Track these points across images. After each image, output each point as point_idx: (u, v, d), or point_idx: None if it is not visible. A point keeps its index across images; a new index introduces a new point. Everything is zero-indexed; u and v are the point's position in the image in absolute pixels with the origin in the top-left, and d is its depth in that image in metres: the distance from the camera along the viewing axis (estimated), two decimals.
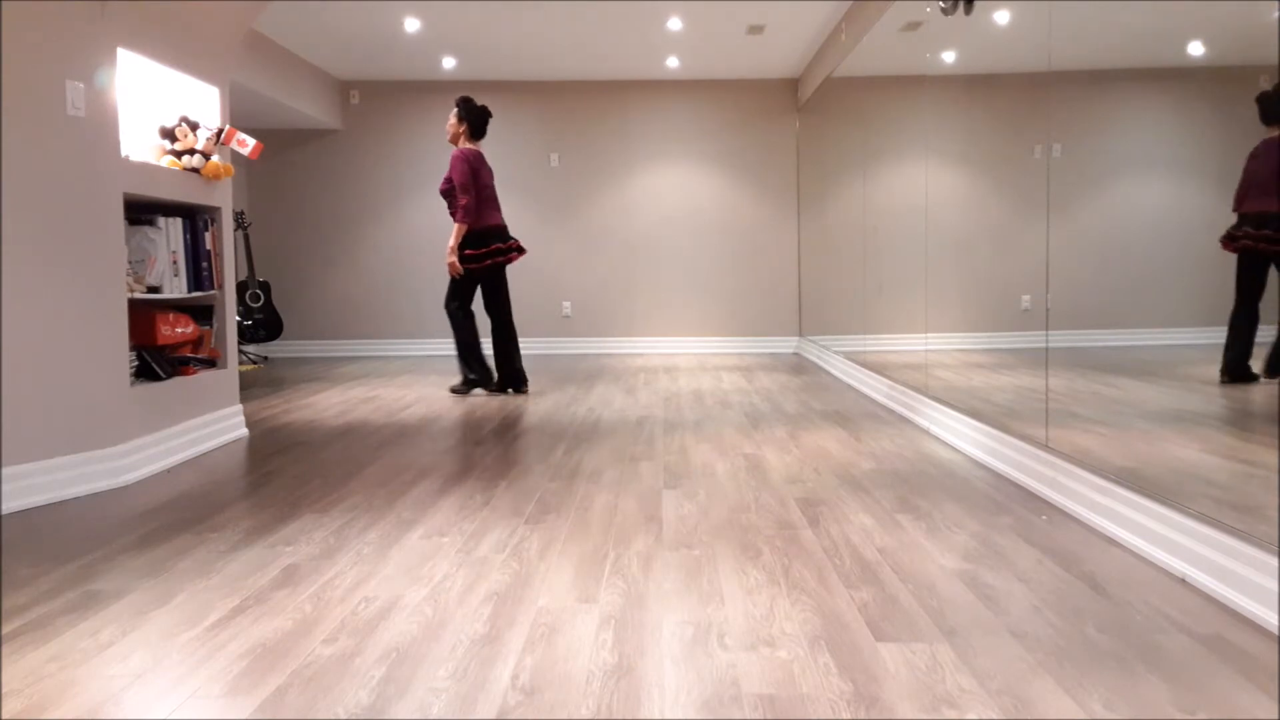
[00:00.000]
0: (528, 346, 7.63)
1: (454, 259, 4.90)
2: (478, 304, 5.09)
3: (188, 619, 1.86)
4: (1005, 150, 3.32)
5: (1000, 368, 3.48)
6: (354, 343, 7.72)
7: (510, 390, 5.13)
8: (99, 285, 3.04)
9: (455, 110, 4.99)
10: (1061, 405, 2.79)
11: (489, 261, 4.94)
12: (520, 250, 5.09)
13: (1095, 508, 2.42)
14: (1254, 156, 2.01)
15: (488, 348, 5.17)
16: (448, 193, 4.93)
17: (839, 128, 5.93)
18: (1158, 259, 2.47)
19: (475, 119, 4.98)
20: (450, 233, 4.96)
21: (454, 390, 5.16)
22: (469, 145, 4.96)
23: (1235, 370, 2.15)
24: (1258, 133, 1.99)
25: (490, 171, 5.06)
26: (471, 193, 4.85)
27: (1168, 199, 2.42)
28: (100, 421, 3.04)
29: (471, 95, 5.12)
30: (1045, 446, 2.79)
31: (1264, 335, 2.05)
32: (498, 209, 5.05)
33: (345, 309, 7.73)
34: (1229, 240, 2.07)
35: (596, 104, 7.61)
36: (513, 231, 7.54)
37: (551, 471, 3.19)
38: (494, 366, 5.12)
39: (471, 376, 5.08)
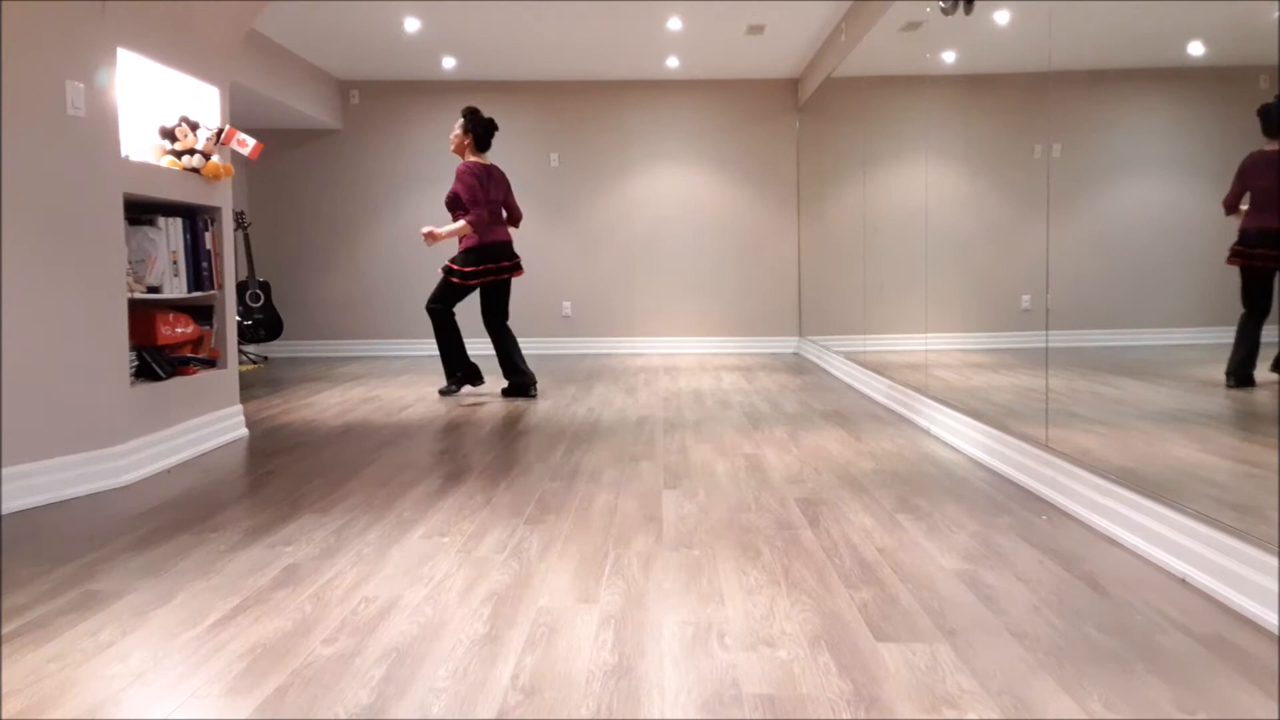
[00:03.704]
0: (528, 347, 7.64)
1: (432, 233, 4.82)
2: (475, 312, 4.99)
3: (188, 619, 1.86)
4: (1005, 150, 3.32)
5: (1000, 368, 3.48)
6: (354, 343, 7.72)
7: (521, 396, 5.06)
8: (99, 285, 3.04)
9: (461, 121, 4.91)
10: (1061, 405, 2.79)
11: (476, 281, 4.89)
12: (518, 269, 5.02)
13: (1095, 508, 2.42)
14: (1255, 168, 1.99)
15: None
16: (453, 204, 4.87)
17: (839, 128, 5.93)
18: (1157, 259, 2.47)
19: (481, 131, 4.91)
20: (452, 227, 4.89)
21: (442, 392, 5.12)
22: (475, 158, 4.90)
23: (1241, 374, 2.14)
24: (1257, 132, 1.99)
25: (502, 185, 4.98)
26: (482, 206, 4.80)
27: (1167, 199, 2.42)
28: (100, 421, 3.04)
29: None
30: (1045, 446, 2.79)
31: (1269, 335, 2.05)
32: (502, 224, 5.00)
33: (345, 309, 7.73)
34: (1239, 257, 2.06)
35: (596, 104, 7.61)
36: (513, 231, 7.59)
37: (551, 471, 3.19)
38: (504, 375, 5.08)
39: (459, 374, 5.05)
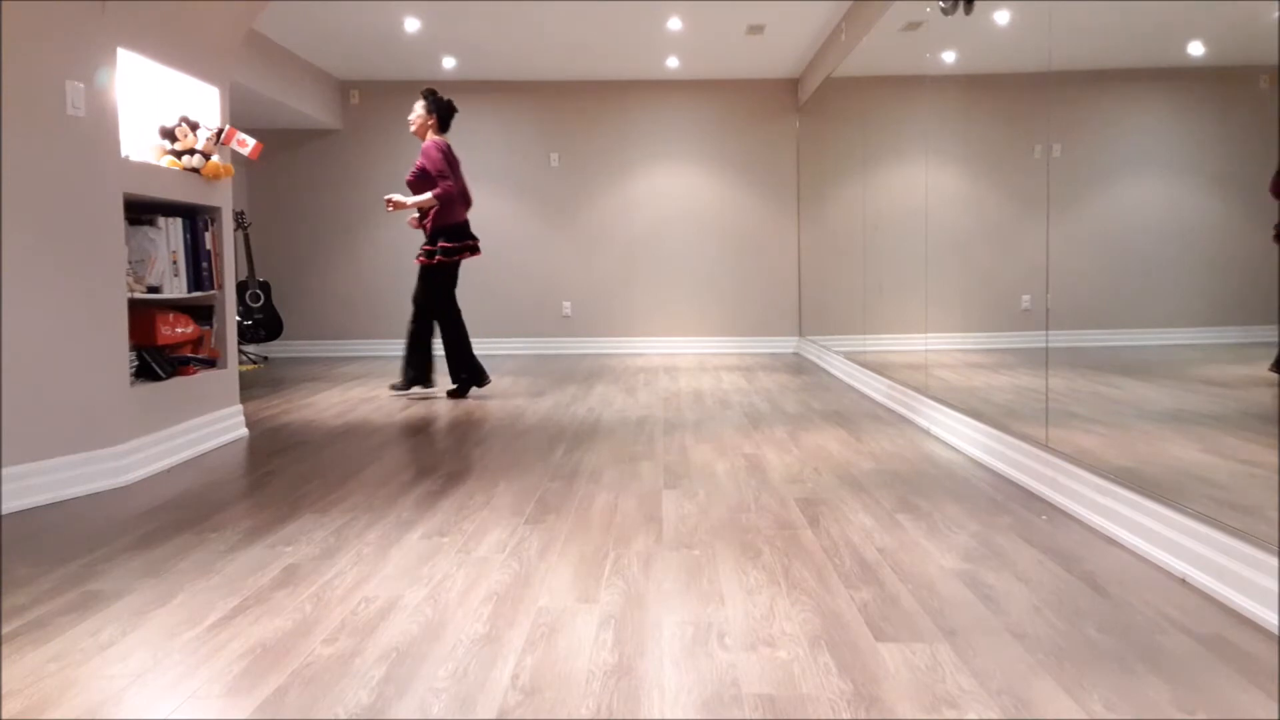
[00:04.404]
0: (529, 346, 7.65)
1: (395, 200, 4.83)
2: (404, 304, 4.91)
3: (188, 619, 1.86)
4: (1005, 150, 3.32)
5: (1000, 368, 3.48)
6: (354, 343, 7.72)
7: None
8: (99, 285, 3.04)
9: (423, 103, 4.95)
10: (1061, 405, 2.79)
11: (459, 257, 4.90)
12: (479, 250, 5.07)
13: (1095, 508, 2.42)
14: None
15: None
16: (415, 183, 4.88)
17: (839, 128, 5.93)
18: (1157, 259, 2.47)
19: (443, 112, 4.96)
20: (419, 211, 4.88)
21: (450, 394, 5.11)
22: (437, 138, 4.93)
23: None
24: (1257, 132, 1.98)
25: (459, 166, 5.00)
26: (450, 178, 4.81)
27: (1167, 199, 2.42)
28: (100, 421, 3.04)
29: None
30: (1045, 446, 2.79)
31: None
32: (467, 205, 5.04)
33: (345, 309, 7.73)
34: None
35: (596, 104, 7.61)
36: (513, 231, 7.61)
37: (551, 471, 3.19)
38: (406, 365, 5.05)
39: (464, 375, 5.04)
